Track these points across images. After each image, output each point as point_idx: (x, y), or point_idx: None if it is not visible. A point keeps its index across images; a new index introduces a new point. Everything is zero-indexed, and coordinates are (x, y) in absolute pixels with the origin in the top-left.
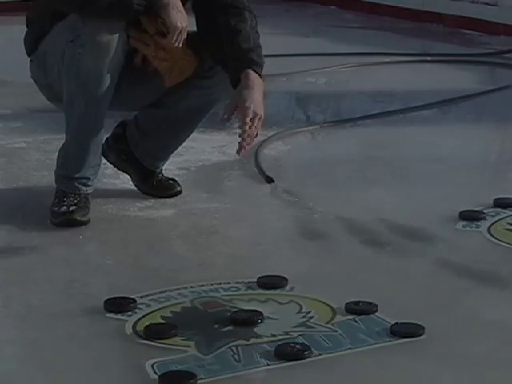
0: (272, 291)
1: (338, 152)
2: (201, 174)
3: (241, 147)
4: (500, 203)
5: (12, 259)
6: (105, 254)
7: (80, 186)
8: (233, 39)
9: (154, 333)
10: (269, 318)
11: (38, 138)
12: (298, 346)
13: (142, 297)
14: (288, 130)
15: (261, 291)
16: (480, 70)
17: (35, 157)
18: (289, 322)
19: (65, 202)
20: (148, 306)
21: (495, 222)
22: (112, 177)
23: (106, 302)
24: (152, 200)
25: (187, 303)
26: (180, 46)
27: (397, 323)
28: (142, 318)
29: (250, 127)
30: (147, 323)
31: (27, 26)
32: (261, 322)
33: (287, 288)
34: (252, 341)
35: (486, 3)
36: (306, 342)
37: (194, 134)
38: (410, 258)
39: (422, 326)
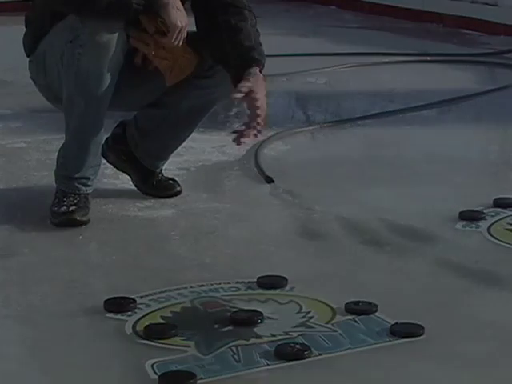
0: (272, 291)
1: (338, 152)
2: (201, 174)
3: (243, 137)
4: (500, 203)
5: (12, 259)
6: (105, 253)
7: (80, 185)
8: (234, 38)
9: (154, 333)
10: (269, 318)
11: (38, 138)
12: (297, 346)
13: (141, 297)
14: (288, 130)
15: (261, 291)
16: (480, 70)
17: (35, 157)
18: (289, 322)
19: (65, 201)
20: (148, 305)
21: (495, 221)
22: (112, 177)
23: (105, 302)
24: (152, 200)
25: (187, 303)
26: (180, 44)
27: (397, 323)
28: (141, 318)
29: (258, 123)
30: (147, 323)
31: (26, 26)
32: (261, 322)
33: (287, 288)
34: (252, 341)
35: (486, 3)
36: (305, 342)
37: (193, 134)
38: (410, 258)
39: (421, 326)
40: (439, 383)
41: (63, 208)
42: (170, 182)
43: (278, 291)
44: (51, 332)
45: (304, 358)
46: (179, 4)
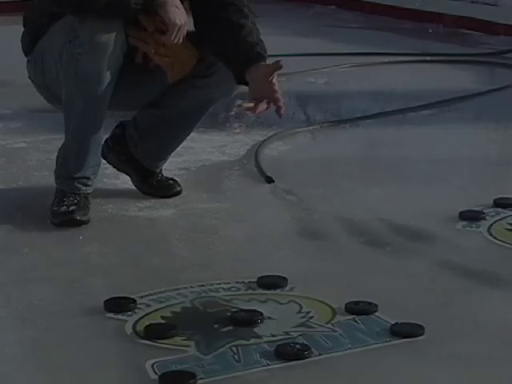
0: (272, 291)
1: (337, 152)
2: (201, 174)
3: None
4: (500, 203)
5: (12, 259)
6: (105, 254)
7: (80, 185)
8: (236, 34)
9: (154, 333)
10: (269, 317)
11: (38, 138)
12: (298, 346)
13: (141, 297)
14: (288, 129)
15: (261, 291)
16: (480, 70)
17: (35, 157)
18: (289, 322)
19: (65, 201)
20: (148, 305)
21: (495, 222)
22: (112, 177)
23: (105, 302)
24: (152, 200)
25: (187, 303)
26: (180, 42)
27: (397, 323)
28: (141, 317)
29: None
30: (147, 323)
31: (24, 26)
32: (261, 322)
33: (287, 288)
34: (252, 341)
35: (486, 3)
36: (305, 342)
37: (193, 134)
38: (410, 258)
39: (421, 326)
40: (439, 383)
41: (63, 208)
42: (170, 181)
43: (278, 291)
44: (51, 332)
45: (304, 358)
46: (178, 2)
